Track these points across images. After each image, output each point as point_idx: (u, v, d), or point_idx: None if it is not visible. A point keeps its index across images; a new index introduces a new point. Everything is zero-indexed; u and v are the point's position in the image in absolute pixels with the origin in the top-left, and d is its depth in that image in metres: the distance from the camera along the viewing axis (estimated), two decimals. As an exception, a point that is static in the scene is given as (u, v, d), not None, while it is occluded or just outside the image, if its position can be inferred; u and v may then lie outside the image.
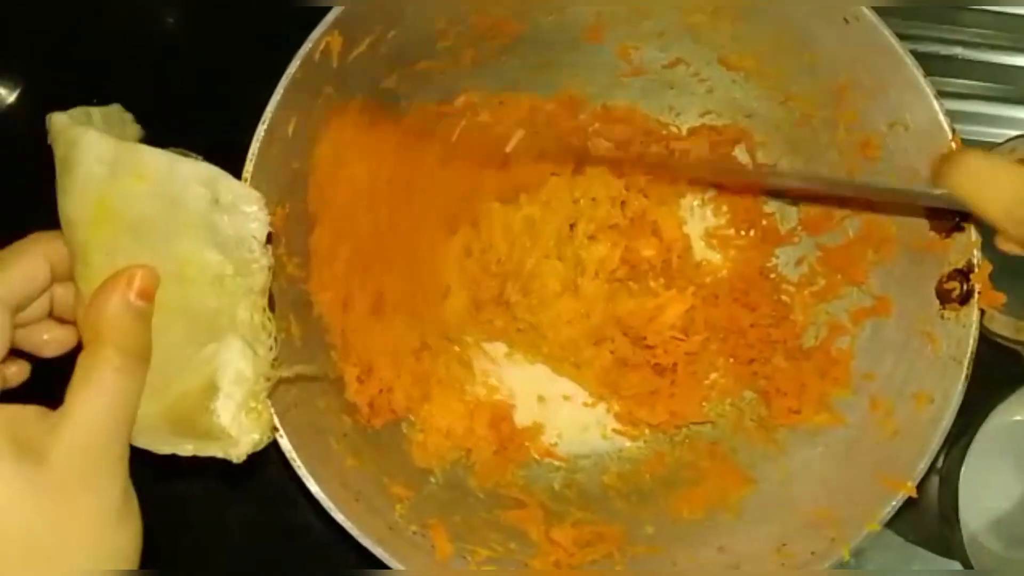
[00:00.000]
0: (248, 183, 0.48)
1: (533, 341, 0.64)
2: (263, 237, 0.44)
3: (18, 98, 0.71)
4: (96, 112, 0.43)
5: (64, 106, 0.44)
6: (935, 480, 0.62)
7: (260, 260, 0.43)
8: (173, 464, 0.44)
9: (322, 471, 0.50)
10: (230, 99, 0.51)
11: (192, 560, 0.65)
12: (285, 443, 0.48)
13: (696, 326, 0.63)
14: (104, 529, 0.37)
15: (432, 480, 0.60)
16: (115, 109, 0.45)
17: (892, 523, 0.53)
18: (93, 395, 0.38)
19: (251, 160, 0.49)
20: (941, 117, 0.53)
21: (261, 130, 0.49)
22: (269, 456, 0.47)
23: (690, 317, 0.63)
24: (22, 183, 0.53)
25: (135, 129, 0.47)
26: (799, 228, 0.64)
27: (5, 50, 0.71)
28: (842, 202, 0.61)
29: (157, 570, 0.42)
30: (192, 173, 0.42)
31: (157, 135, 0.47)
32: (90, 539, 0.37)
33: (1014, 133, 0.61)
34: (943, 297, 0.55)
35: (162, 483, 0.62)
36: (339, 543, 0.50)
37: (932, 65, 0.54)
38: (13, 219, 0.45)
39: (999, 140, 0.62)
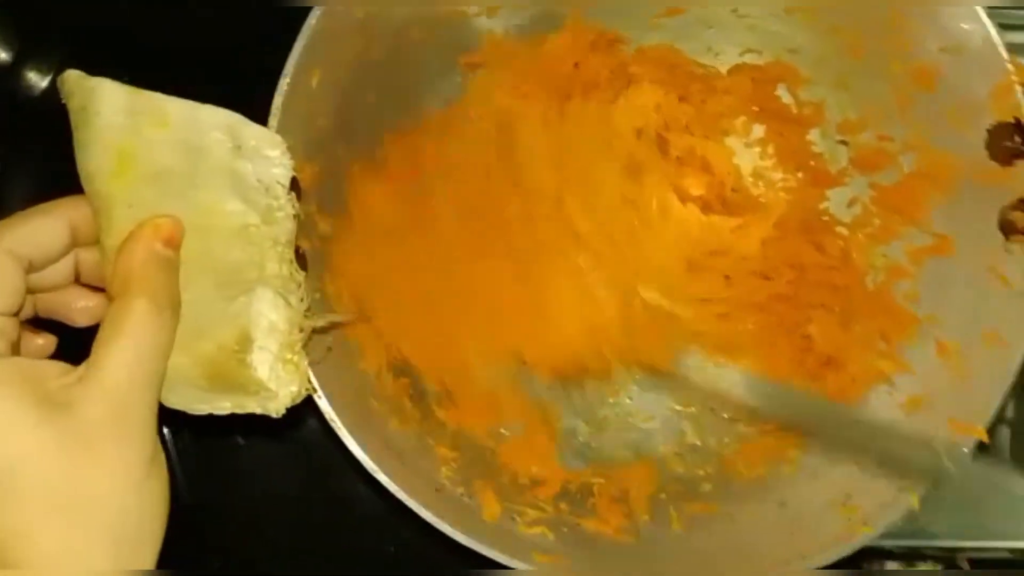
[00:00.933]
0: (273, 137, 0.47)
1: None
2: (287, 182, 0.42)
3: (51, 84, 0.70)
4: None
5: None
6: (1006, 432, 0.59)
7: (285, 207, 0.42)
8: (211, 429, 0.43)
9: (364, 433, 0.48)
10: (254, 59, 0.50)
11: (235, 531, 0.64)
12: (324, 405, 0.47)
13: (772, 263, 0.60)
14: (133, 483, 0.36)
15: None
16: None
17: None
18: (124, 346, 0.37)
19: (274, 115, 0.47)
20: (996, 38, 0.50)
21: (283, 83, 0.48)
22: (308, 418, 0.46)
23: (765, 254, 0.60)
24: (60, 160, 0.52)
25: None
26: (850, 167, 0.61)
27: (38, 36, 0.70)
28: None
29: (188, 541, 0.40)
30: (213, 120, 0.41)
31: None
32: (119, 492, 0.36)
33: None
34: (1007, 229, 0.52)
35: (201, 452, 0.62)
36: (386, 510, 0.48)
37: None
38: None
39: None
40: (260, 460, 0.63)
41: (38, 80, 0.70)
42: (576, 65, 0.59)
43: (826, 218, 0.61)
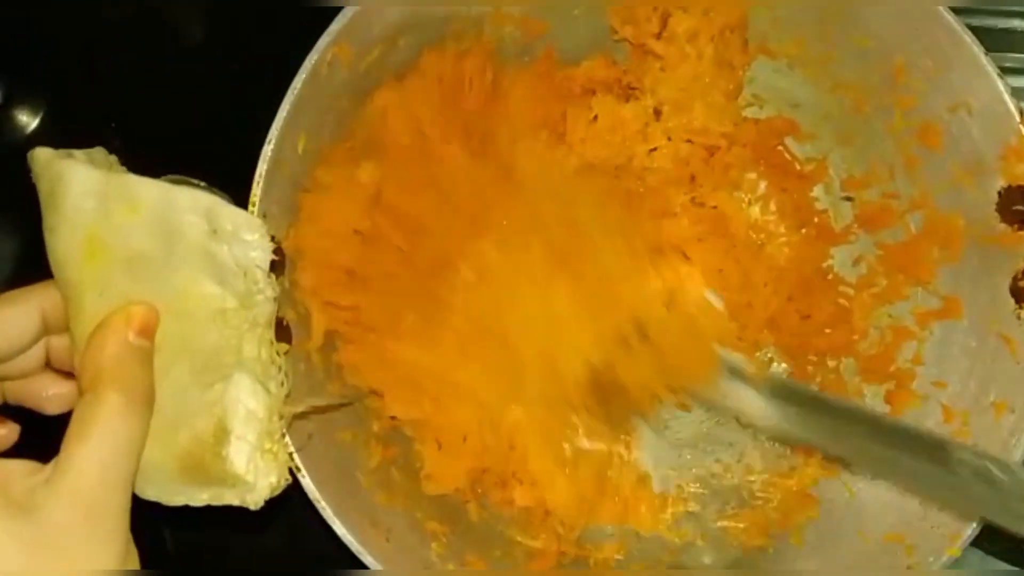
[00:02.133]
0: (256, 206, 0.45)
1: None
2: (266, 266, 0.41)
3: (41, 123, 0.69)
4: (79, 154, 0.41)
5: (87, 129, 0.42)
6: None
7: (265, 291, 0.41)
8: (186, 512, 0.41)
9: (349, 509, 0.47)
10: (243, 120, 0.49)
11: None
12: (308, 483, 0.46)
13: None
14: None
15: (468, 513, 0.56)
16: (98, 151, 0.42)
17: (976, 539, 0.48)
18: (94, 444, 0.35)
19: (258, 183, 0.46)
20: (1007, 97, 0.48)
21: (267, 150, 0.46)
22: (291, 495, 0.45)
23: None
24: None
25: (121, 171, 0.44)
26: (855, 225, 0.59)
27: (27, 76, 0.69)
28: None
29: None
30: (188, 202, 0.40)
31: (169, 158, 0.44)
32: None
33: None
34: (1019, 296, 0.50)
35: (176, 531, 0.60)
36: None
37: (990, 40, 0.49)
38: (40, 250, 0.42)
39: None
40: (244, 525, 0.62)
41: (28, 120, 0.69)
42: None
43: (830, 276, 0.60)
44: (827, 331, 0.59)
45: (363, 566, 0.46)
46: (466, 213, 0.54)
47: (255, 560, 0.61)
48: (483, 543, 0.53)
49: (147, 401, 0.38)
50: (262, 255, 0.41)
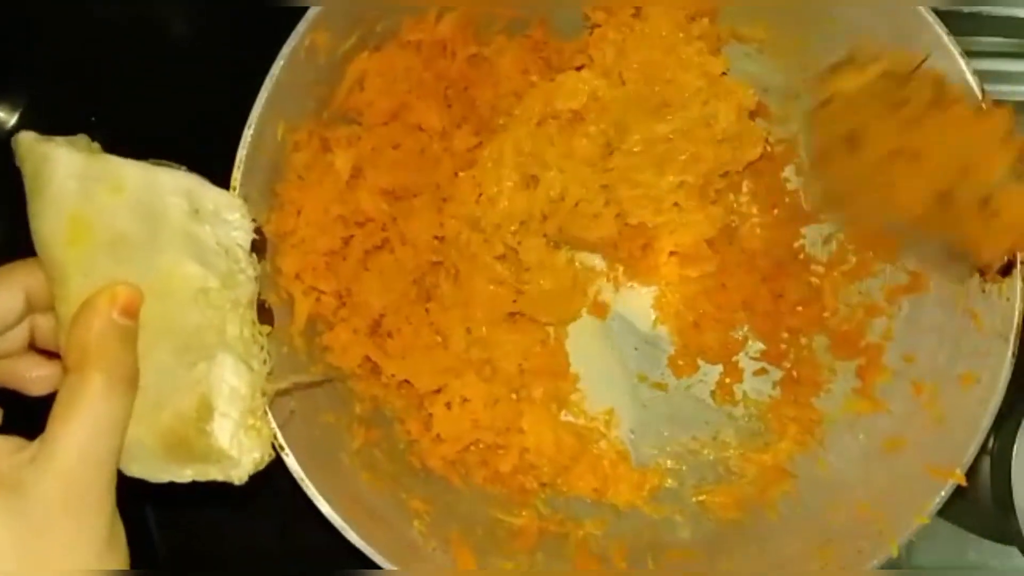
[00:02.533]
0: (237, 190, 0.46)
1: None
2: (247, 245, 0.41)
3: (20, 119, 0.69)
4: (60, 140, 0.41)
5: (68, 124, 0.42)
6: (986, 461, 0.58)
7: (246, 270, 0.41)
8: (172, 490, 0.42)
9: (333, 489, 0.47)
10: (226, 112, 0.49)
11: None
12: (292, 462, 0.46)
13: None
14: (90, 563, 0.35)
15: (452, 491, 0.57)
16: (80, 138, 0.42)
17: (943, 510, 0.50)
18: (80, 422, 0.36)
19: (238, 167, 0.47)
20: (969, 77, 0.50)
21: (247, 135, 0.47)
22: (276, 475, 0.45)
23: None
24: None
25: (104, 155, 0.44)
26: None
27: (5, 72, 0.69)
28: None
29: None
30: (170, 184, 0.40)
31: (151, 150, 0.45)
32: (78, 573, 0.35)
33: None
34: (983, 270, 0.51)
35: (163, 510, 0.61)
36: (356, 564, 0.48)
37: (955, 23, 0.50)
38: (22, 243, 0.42)
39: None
40: (233, 513, 0.62)
41: (7, 117, 0.69)
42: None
43: (802, 256, 0.61)
44: (799, 309, 0.60)
45: (348, 544, 0.47)
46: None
47: (241, 540, 0.62)
48: (466, 521, 0.54)
49: (131, 380, 0.38)
50: (243, 235, 0.41)
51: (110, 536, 0.36)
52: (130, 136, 0.59)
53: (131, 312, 0.39)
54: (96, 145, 0.44)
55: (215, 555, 0.63)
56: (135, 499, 0.39)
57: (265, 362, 0.42)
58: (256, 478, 0.43)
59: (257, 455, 0.41)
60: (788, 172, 0.62)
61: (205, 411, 0.40)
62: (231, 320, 0.41)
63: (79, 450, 0.35)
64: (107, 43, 0.68)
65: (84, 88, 0.67)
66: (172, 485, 0.41)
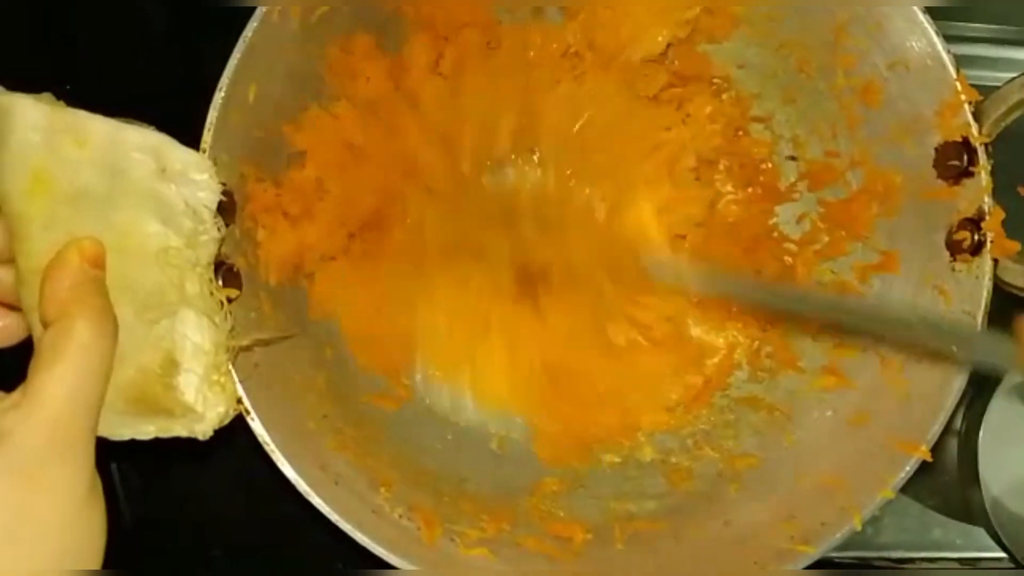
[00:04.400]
0: (207, 152, 0.46)
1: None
2: (214, 206, 0.41)
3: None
4: (25, 95, 0.41)
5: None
6: (953, 442, 0.59)
7: (210, 231, 0.41)
8: (138, 453, 0.42)
9: (298, 454, 0.47)
10: (196, 70, 0.49)
11: (179, 555, 0.63)
12: (258, 427, 0.46)
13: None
14: (72, 513, 0.35)
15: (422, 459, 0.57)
16: (46, 96, 0.42)
17: (910, 488, 0.50)
18: (64, 370, 0.36)
19: (208, 130, 0.46)
20: (942, 50, 0.50)
21: (218, 97, 0.47)
22: (239, 441, 0.45)
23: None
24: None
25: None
26: (799, 183, 0.61)
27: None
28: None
29: (130, 569, 0.39)
30: (137, 141, 0.40)
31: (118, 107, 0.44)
32: (58, 523, 0.35)
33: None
34: (953, 248, 0.51)
35: (143, 474, 0.61)
36: (321, 531, 0.48)
37: (933, 10, 0.51)
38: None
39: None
40: (202, 483, 0.62)
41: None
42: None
43: (775, 234, 0.61)
44: (773, 287, 0.60)
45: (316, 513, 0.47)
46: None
47: (203, 499, 0.62)
48: (432, 488, 0.54)
49: (114, 326, 0.38)
50: (210, 195, 0.41)
51: (91, 488, 0.36)
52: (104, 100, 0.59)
53: (99, 264, 0.39)
54: (62, 102, 0.44)
55: (183, 525, 0.63)
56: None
57: (226, 319, 0.42)
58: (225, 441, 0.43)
59: (222, 409, 0.42)
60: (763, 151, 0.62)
61: (169, 366, 0.40)
62: (190, 278, 0.41)
63: (66, 397, 0.35)
64: (80, 12, 0.67)
65: (59, 57, 0.67)
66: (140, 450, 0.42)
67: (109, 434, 0.40)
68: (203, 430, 0.41)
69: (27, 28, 0.67)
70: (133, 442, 0.42)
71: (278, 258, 0.52)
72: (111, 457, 0.62)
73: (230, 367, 0.43)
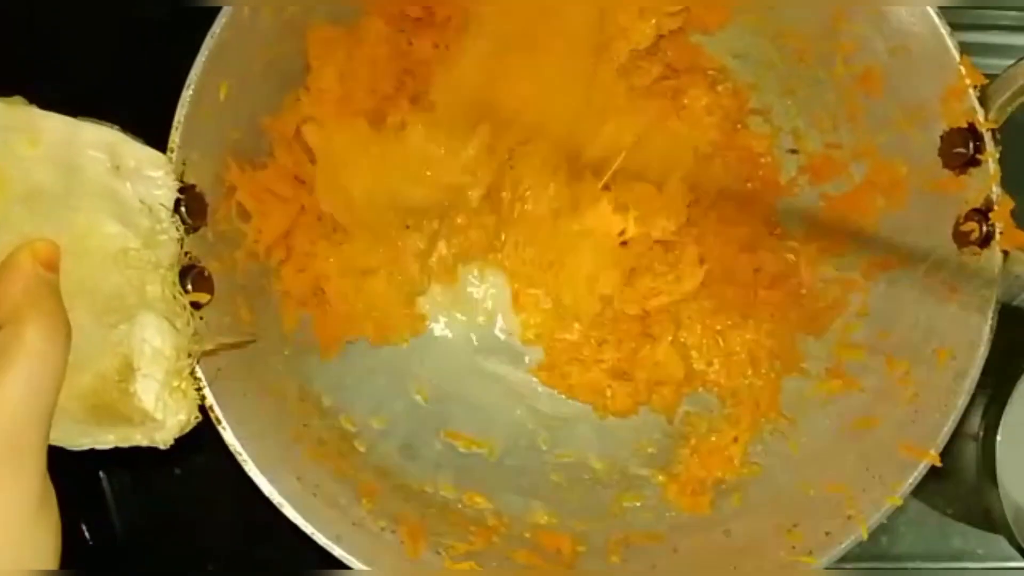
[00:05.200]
0: (176, 152, 0.44)
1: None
2: (171, 204, 0.40)
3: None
4: None
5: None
6: (972, 446, 0.56)
7: (169, 231, 0.40)
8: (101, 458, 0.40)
9: (273, 464, 0.46)
10: (169, 70, 0.48)
11: (169, 562, 0.61)
12: (230, 436, 0.45)
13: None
14: (24, 523, 0.34)
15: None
16: (18, 99, 0.41)
17: (927, 496, 0.47)
18: (15, 377, 0.34)
19: (176, 128, 0.45)
20: (944, 32, 0.47)
21: (187, 95, 0.45)
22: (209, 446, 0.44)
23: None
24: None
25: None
26: (799, 177, 0.59)
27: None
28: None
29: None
30: (92, 138, 0.39)
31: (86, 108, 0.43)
32: (9, 534, 0.33)
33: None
34: (961, 241, 0.49)
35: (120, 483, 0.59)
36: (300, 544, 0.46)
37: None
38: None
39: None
40: (193, 489, 0.61)
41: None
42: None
43: (777, 231, 0.59)
44: (775, 285, 0.58)
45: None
46: None
47: (194, 506, 0.61)
48: (416, 499, 0.52)
49: (66, 333, 0.37)
50: (167, 193, 0.40)
51: (43, 497, 0.35)
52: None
53: (53, 266, 0.38)
54: (34, 107, 0.43)
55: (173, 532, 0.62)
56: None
57: (188, 323, 0.41)
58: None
59: (183, 417, 0.40)
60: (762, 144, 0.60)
61: (127, 372, 0.39)
62: (151, 281, 0.40)
63: (17, 405, 0.34)
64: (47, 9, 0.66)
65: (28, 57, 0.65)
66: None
67: (67, 443, 0.39)
68: (163, 438, 0.40)
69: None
70: (118, 449, 0.41)
71: (272, 229, 0.51)
72: (99, 465, 0.61)
73: (193, 373, 0.41)
